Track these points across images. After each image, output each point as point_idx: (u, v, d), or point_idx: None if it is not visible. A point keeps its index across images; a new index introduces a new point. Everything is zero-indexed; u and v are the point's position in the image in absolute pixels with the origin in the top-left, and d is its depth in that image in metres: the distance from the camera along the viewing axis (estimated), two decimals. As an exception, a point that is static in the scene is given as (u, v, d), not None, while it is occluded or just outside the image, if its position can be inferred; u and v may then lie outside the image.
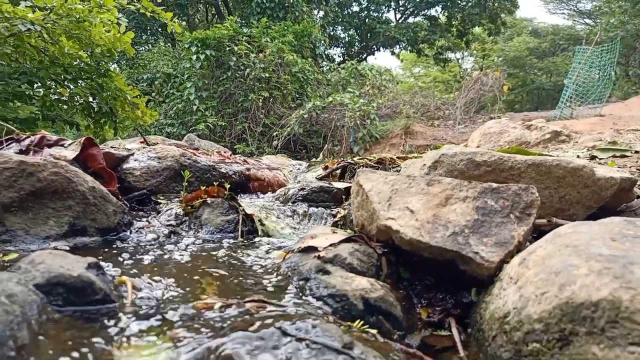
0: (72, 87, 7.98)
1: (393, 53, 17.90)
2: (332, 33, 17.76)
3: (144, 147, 2.25)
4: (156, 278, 1.06)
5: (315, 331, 0.77)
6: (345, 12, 17.16)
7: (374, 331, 0.87)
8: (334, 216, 1.65)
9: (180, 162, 2.03)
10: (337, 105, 11.14)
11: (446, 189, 1.11)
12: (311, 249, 1.15)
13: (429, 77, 20.18)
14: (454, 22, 15.95)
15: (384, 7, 17.18)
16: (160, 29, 16.49)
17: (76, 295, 0.89)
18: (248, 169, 2.25)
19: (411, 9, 17.69)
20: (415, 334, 0.99)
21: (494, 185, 1.10)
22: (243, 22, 14.18)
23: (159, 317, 0.86)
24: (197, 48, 12.03)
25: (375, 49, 17.69)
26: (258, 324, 0.79)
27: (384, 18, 17.09)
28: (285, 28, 13.35)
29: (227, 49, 12.28)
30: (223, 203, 1.71)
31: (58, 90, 8.12)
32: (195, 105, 11.98)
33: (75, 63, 7.72)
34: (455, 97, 12.00)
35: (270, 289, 1.03)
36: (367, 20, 16.71)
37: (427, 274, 1.10)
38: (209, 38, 12.11)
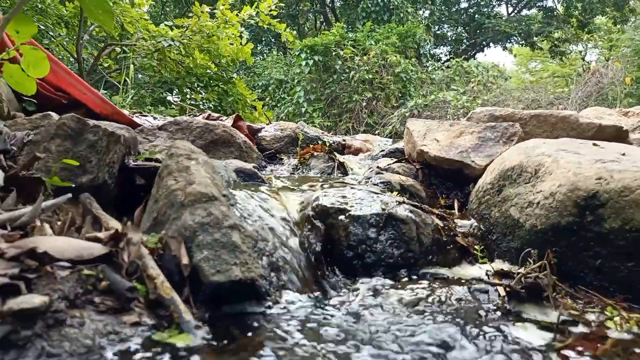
0: (203, 93, 9.75)
1: (505, 48, 17.55)
2: (438, 32, 18.01)
3: (269, 123, 3.22)
4: (282, 178, 1.94)
5: (369, 188, 1.56)
6: (453, 9, 17.32)
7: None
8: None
9: (296, 132, 2.95)
10: (440, 102, 11.56)
11: (461, 127, 1.82)
12: (377, 167, 1.93)
13: (546, 71, 19.27)
14: (573, 12, 15.19)
15: (494, 1, 17.00)
16: (273, 39, 18.33)
17: (249, 176, 1.79)
18: (344, 140, 3.09)
19: (525, 1, 17.22)
20: (435, 210, 1.72)
21: (493, 123, 1.78)
22: (349, 27, 15.22)
23: (282, 184, 1.72)
24: (306, 54, 13.34)
25: (485, 45, 17.53)
26: (346, 186, 1.60)
27: (493, 13, 16.91)
28: (390, 30, 14.08)
29: (334, 53, 13.41)
30: (325, 156, 2.57)
31: (192, 96, 9.97)
32: (304, 107, 13.27)
33: (205, 72, 9.47)
34: (570, 90, 11.63)
35: (351, 182, 1.85)
36: (475, 16, 16.70)
37: (446, 180, 1.82)
38: (317, 45, 13.36)
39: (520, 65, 23.15)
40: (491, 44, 17.58)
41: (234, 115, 2.81)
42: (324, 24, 18.27)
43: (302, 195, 1.58)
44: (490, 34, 16.49)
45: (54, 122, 1.67)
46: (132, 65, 6.51)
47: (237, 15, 8.67)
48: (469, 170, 1.69)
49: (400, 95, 13.19)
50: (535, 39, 16.04)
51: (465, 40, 17.86)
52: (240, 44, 9.73)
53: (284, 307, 1.06)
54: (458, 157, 1.69)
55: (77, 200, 1.34)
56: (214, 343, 0.85)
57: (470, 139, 1.73)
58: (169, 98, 9.94)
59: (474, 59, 17.09)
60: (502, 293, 1.11)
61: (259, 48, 18.41)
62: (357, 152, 3.04)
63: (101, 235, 1.01)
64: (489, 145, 1.70)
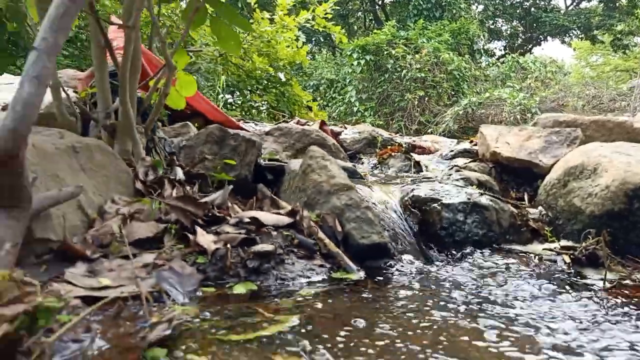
0: (262, 95, 10.39)
1: (563, 42, 17.26)
2: (492, 26, 17.93)
3: (346, 127, 3.70)
4: (370, 174, 2.40)
5: (453, 183, 1.99)
6: (507, 3, 17.20)
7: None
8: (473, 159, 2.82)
9: (373, 134, 3.41)
10: (495, 100, 11.64)
11: (529, 132, 2.21)
12: (455, 166, 2.36)
13: (608, 65, 18.73)
14: (638, 3, 14.77)
15: (552, -7, 16.77)
16: (322, 39, 18.85)
17: (351, 173, 2.26)
18: (414, 140, 3.52)
19: (586, -7, 16.88)
20: (510, 200, 2.13)
21: (557, 129, 2.16)
22: (400, 25, 15.48)
23: (376, 179, 2.18)
24: (358, 54, 13.74)
25: (542, 39, 17.30)
26: (434, 182, 2.05)
27: (550, 6, 16.67)
28: (442, 27, 14.25)
29: (385, 52, 13.75)
30: (401, 156, 3.01)
31: (252, 99, 10.64)
32: (356, 107, 13.70)
33: (264, 75, 10.11)
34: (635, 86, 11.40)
35: (437, 178, 2.29)
36: (531, 9, 16.54)
37: (516, 176, 2.21)
38: (368, 44, 13.75)
39: (580, 59, 22.52)
40: (549, 38, 17.32)
41: (320, 121, 3.30)
42: (374, 22, 18.59)
43: (399, 188, 2.03)
44: (547, 28, 16.28)
45: (203, 132, 2.21)
46: (222, 75, 7.21)
47: (294, 19, 9.23)
48: (538, 168, 2.08)
49: (453, 93, 13.35)
50: (595, 32, 15.69)
51: (521, 35, 17.69)
52: (297, 47, 10.31)
53: (402, 264, 1.52)
54: (527, 157, 2.08)
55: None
56: (370, 279, 1.32)
57: (538, 142, 2.12)
58: (230, 100, 10.62)
59: (531, 53, 16.92)
60: (567, 260, 1.52)
61: (309, 48, 19.01)
62: (425, 152, 3.46)
63: (282, 211, 1.51)
64: (554, 147, 2.08)
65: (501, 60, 14.64)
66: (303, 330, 0.92)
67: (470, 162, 2.33)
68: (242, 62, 9.33)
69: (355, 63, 13.82)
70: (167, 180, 1.59)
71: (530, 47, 17.69)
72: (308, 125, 3.35)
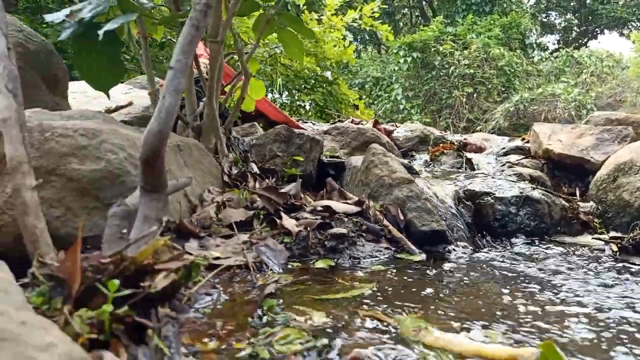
0: (310, 94, 10.67)
1: (621, 34, 16.50)
2: (544, 20, 17.41)
3: (397, 125, 3.87)
4: (424, 170, 2.57)
5: (505, 178, 2.14)
6: (562, -5, 16.65)
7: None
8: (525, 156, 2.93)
9: (424, 132, 3.56)
10: (548, 96, 11.38)
11: (581, 130, 2.31)
12: (508, 162, 2.49)
13: (673, 57, 17.69)
14: None
15: (610, -16, 16.07)
16: (368, 37, 18.93)
17: (407, 169, 2.45)
18: (465, 138, 3.65)
19: (648, -19, 16.04)
20: (561, 194, 2.25)
21: (609, 127, 2.25)
22: (448, 21, 15.33)
23: (430, 175, 2.35)
24: (405, 52, 13.77)
25: (598, 32, 16.63)
26: (487, 177, 2.20)
27: (609, -3, 16.00)
28: (492, 22, 14.01)
29: (432, 49, 13.69)
30: (453, 153, 3.15)
31: (301, 98, 10.95)
32: (402, 104, 13.73)
33: (311, 75, 10.37)
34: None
35: (489, 174, 2.43)
36: (587, 1, 15.94)
37: (568, 172, 2.32)
38: (415, 41, 13.74)
39: (642, 51, 21.37)
40: (605, 31, 16.62)
41: (373, 120, 3.49)
42: (420, 19, 18.49)
43: (453, 183, 2.20)
44: (604, 20, 15.65)
45: (271, 131, 2.46)
46: (278, 77, 7.53)
47: (341, 19, 9.43)
48: (589, 164, 2.19)
49: (503, 89, 13.13)
50: (659, 22, 14.92)
51: (575, 28, 17.08)
52: (344, 46, 10.50)
53: (458, 250, 1.70)
54: (579, 154, 2.19)
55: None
56: (430, 260, 1.51)
57: (590, 140, 2.22)
58: (279, 100, 10.97)
59: (586, 47, 16.32)
60: (615, 248, 1.64)
61: (355, 46, 19.14)
62: (477, 149, 3.57)
63: (349, 201, 1.72)
64: (605, 144, 2.18)
65: (554, 54, 14.23)
66: (378, 295, 1.12)
67: (522, 159, 2.45)
68: (291, 63, 9.62)
69: (401, 61, 13.86)
70: (249, 174, 1.84)
71: (585, 40, 17.04)
72: (362, 124, 3.55)
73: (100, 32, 1.44)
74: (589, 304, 1.12)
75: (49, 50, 1.83)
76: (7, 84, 1.01)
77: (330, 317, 0.95)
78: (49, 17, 1.55)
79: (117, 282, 0.71)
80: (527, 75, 13.52)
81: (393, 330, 0.90)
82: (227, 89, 2.43)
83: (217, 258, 1.27)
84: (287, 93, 10.19)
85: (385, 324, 0.93)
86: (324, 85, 10.40)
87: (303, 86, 10.30)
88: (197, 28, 1.14)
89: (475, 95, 13.04)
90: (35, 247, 0.92)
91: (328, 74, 10.36)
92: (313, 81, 10.32)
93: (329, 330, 0.88)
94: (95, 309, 0.72)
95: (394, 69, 14.54)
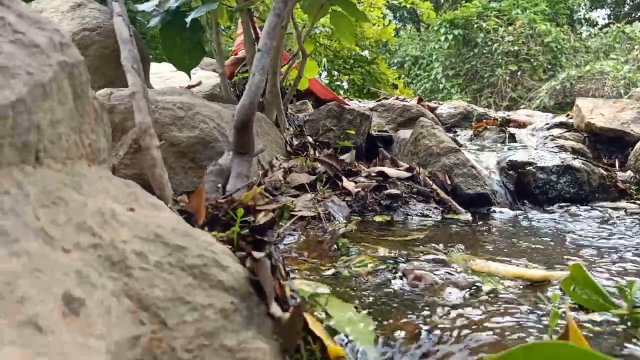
0: (349, 74, 10.79)
1: (682, 6, 15.62)
2: (596, -7, 16.68)
3: (440, 103, 4.01)
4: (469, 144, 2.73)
5: (547, 149, 2.29)
6: (615, -35, 15.89)
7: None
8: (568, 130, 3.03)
9: (468, 109, 3.70)
10: (597, 74, 11.04)
11: (623, 104, 2.42)
12: (551, 135, 2.62)
13: None
14: None
15: (670, -49, 15.20)
16: (407, 14, 18.70)
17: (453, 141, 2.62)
18: (508, 115, 3.76)
19: None
20: (600, 165, 2.37)
21: (651, 100, 2.35)
22: (492, -4, 14.94)
23: (475, 147, 2.51)
24: (446, 29, 13.58)
25: (655, 4, 15.80)
26: (529, 149, 2.35)
27: (668, -34, 15.14)
28: (539, -4, 13.59)
29: (475, 26, 13.45)
30: (496, 129, 3.29)
31: (340, 78, 11.07)
32: (442, 84, 13.62)
33: (351, 55, 10.48)
34: None
35: (528, 146, 2.58)
36: (644, -29, 15.16)
37: (609, 145, 2.44)
38: (457, 18, 13.52)
39: None
40: (664, 3, 15.77)
41: (417, 98, 3.65)
42: (463, -6, 18.05)
43: (496, 154, 2.36)
44: (663, -9, 14.84)
45: (324, 108, 2.67)
46: (323, 57, 7.73)
47: (381, -3, 9.44)
48: (629, 137, 2.30)
49: (549, 66, 12.79)
50: None
51: (628, 1, 16.28)
52: (383, 24, 10.55)
53: (501, 212, 1.88)
54: (620, 127, 2.30)
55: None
56: (476, 217, 1.71)
57: (631, 114, 2.32)
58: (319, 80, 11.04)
59: (639, 21, 15.57)
60: (650, 212, 1.78)
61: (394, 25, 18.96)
62: (521, 125, 3.68)
63: (400, 168, 1.93)
64: (647, 117, 2.28)
65: (604, 30, 13.70)
66: (431, 240, 1.34)
67: (564, 132, 2.57)
68: (330, 43, 9.75)
69: (442, 38, 13.68)
70: (309, 145, 2.08)
71: (639, 14, 16.24)
72: (406, 101, 3.72)
73: (188, 20, 1.69)
74: (622, 249, 1.30)
75: (137, 35, 2.10)
76: (133, 64, 1.27)
77: (393, 251, 1.17)
78: (141, 7, 1.81)
79: (242, 210, 0.96)
80: (574, 51, 13.10)
81: (446, 260, 1.12)
82: (283, 69, 2.66)
83: (292, 211, 1.51)
84: (326, 73, 10.34)
85: (439, 257, 1.15)
86: (363, 64, 10.50)
87: (342, 66, 10.43)
88: (279, 15, 1.37)
89: (519, 73, 12.78)
90: (162, 193, 1.19)
91: (366, 53, 10.44)
92: (352, 61, 10.43)
93: (392, 259, 1.11)
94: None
95: (434, 47, 14.38)
